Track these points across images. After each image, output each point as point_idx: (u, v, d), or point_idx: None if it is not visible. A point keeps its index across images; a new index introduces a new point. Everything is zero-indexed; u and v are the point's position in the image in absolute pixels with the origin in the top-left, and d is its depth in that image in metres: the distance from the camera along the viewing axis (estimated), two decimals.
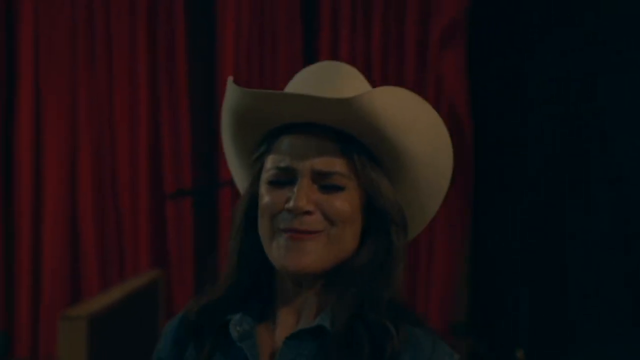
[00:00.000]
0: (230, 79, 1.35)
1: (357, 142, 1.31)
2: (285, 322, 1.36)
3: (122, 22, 4.49)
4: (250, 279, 1.36)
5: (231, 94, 1.32)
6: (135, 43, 4.51)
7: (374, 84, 1.41)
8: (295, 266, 1.29)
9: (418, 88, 4.29)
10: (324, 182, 1.31)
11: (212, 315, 1.36)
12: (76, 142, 4.51)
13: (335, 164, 1.31)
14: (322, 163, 1.30)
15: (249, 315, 1.35)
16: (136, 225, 4.51)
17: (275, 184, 1.33)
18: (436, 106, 1.70)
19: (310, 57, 4.36)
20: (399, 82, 4.33)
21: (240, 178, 1.45)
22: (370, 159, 1.33)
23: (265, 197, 1.33)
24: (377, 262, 1.33)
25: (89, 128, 4.49)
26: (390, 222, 1.34)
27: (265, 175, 1.34)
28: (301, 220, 1.30)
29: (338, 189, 1.31)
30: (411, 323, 1.31)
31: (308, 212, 1.30)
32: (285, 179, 1.32)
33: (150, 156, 4.54)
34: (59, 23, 4.45)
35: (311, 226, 1.30)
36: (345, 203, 1.31)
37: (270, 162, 1.34)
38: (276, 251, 1.31)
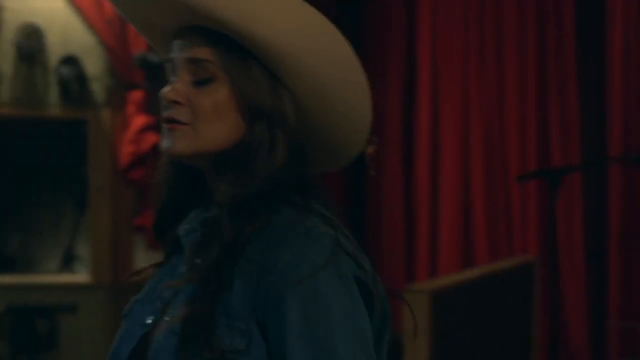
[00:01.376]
0: None
1: (234, 42, 1.36)
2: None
3: (511, 13, 4.69)
4: (190, 186, 1.45)
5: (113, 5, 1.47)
6: (525, 31, 4.68)
7: None
8: (168, 150, 1.38)
9: None
10: (198, 76, 1.37)
11: (169, 221, 1.44)
12: (468, 126, 4.81)
13: (206, 53, 1.36)
14: (194, 52, 1.37)
15: (197, 213, 1.42)
16: (524, 207, 4.67)
17: (169, 79, 1.41)
18: None
19: None
20: None
21: None
22: (245, 55, 1.36)
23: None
24: (245, 152, 1.36)
25: (480, 116, 4.77)
26: (258, 113, 1.36)
27: None
28: (171, 109, 1.37)
29: (209, 81, 1.36)
30: (292, 204, 1.33)
31: (177, 102, 1.37)
32: (172, 73, 1.40)
33: (538, 141, 4.67)
34: (453, 21, 4.83)
35: (177, 116, 1.37)
36: (210, 98, 1.36)
37: None
38: (161, 142, 1.41)
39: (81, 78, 4.85)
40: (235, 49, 1.36)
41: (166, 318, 1.33)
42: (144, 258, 5.14)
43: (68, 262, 5.39)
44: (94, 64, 4.92)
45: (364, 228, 5.15)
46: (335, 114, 1.42)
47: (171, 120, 1.36)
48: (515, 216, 4.72)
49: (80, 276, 5.22)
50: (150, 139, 4.90)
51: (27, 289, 5.01)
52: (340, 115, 1.42)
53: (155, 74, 4.80)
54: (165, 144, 1.38)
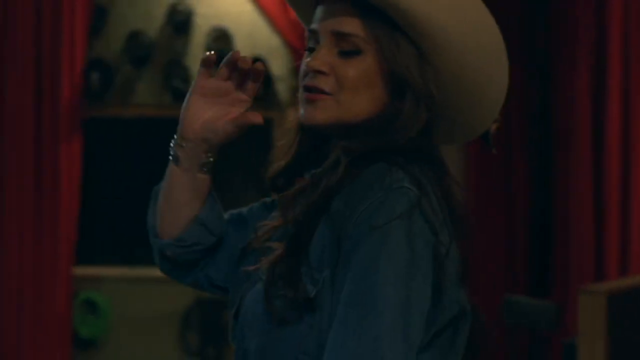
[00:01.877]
0: None
1: (383, 15, 1.35)
2: None
3: None
4: (311, 149, 1.45)
5: None
6: None
7: None
8: (307, 120, 1.37)
9: None
10: (343, 46, 1.36)
11: (287, 176, 1.46)
12: None
13: (353, 26, 1.35)
14: (340, 24, 1.36)
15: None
16: None
17: (308, 50, 1.41)
18: None
19: None
20: None
21: None
22: (393, 29, 1.36)
23: (302, 66, 1.42)
24: (382, 127, 1.36)
25: None
26: (405, 87, 1.36)
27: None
28: (314, 78, 1.36)
29: (355, 53, 1.36)
30: (391, 161, 1.32)
31: (321, 72, 1.36)
32: (313, 43, 1.40)
33: None
34: None
35: (322, 85, 1.35)
36: (357, 69, 1.36)
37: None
38: (301, 109, 1.40)
39: (267, 79, 5.00)
40: (382, 21, 1.35)
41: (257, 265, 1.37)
42: None
43: None
44: (279, 65, 5.06)
45: (551, 218, 4.99)
46: (470, 90, 1.40)
47: (314, 89, 1.36)
48: None
49: None
50: None
51: None
52: (474, 92, 1.40)
53: None
54: (305, 113, 1.37)
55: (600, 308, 3.21)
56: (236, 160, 5.49)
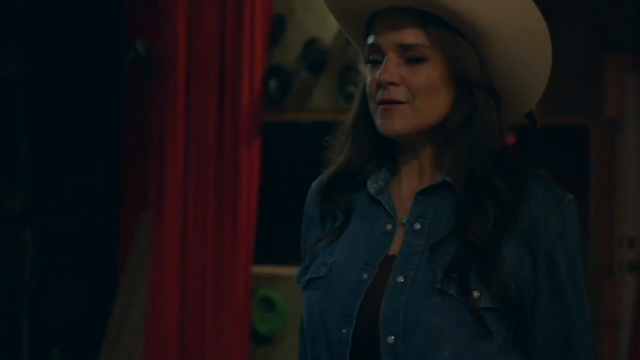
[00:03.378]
0: None
1: (439, 20, 1.44)
2: (409, 183, 1.51)
3: None
4: (367, 153, 1.54)
5: None
6: None
7: None
8: (387, 131, 1.47)
9: None
10: (408, 55, 1.45)
11: (344, 177, 1.55)
12: None
13: (416, 36, 1.44)
14: (403, 36, 1.45)
15: (381, 176, 1.53)
16: None
17: (371, 62, 1.49)
18: None
19: None
20: None
21: None
22: (451, 31, 1.45)
23: (367, 78, 1.51)
24: (464, 124, 1.46)
25: None
26: (473, 87, 1.46)
27: (365, 56, 1.52)
28: (388, 90, 1.45)
29: (421, 60, 1.45)
30: (521, 175, 1.45)
31: (393, 83, 1.44)
32: (377, 57, 1.48)
33: None
34: None
35: (395, 96, 1.44)
36: (425, 76, 1.45)
37: (366, 43, 1.50)
38: (377, 122, 1.48)
39: None
40: (442, 27, 1.44)
41: (398, 273, 1.43)
42: None
43: None
44: None
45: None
46: (519, 75, 1.49)
47: (389, 102, 1.45)
48: None
49: None
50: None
51: None
52: (523, 76, 1.49)
53: None
54: (382, 124, 1.46)
55: None
56: None
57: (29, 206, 5.77)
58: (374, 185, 1.53)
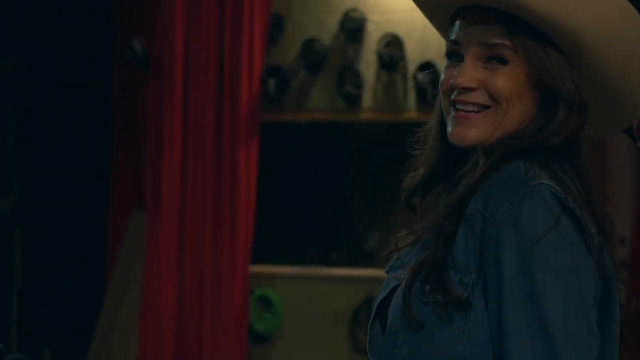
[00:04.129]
0: None
1: (528, 25, 1.34)
2: None
3: None
4: (452, 156, 1.45)
5: None
6: None
7: None
8: (459, 141, 1.38)
9: None
10: (489, 54, 1.36)
11: (425, 187, 1.47)
12: None
13: (500, 36, 1.35)
14: (486, 34, 1.36)
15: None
16: None
17: (450, 58, 1.42)
18: None
19: None
20: None
21: None
22: (538, 36, 1.34)
23: (442, 75, 1.44)
24: (538, 136, 1.34)
25: None
26: (559, 98, 1.34)
27: (445, 51, 1.45)
28: (464, 94, 1.37)
29: (502, 62, 1.35)
30: (530, 159, 1.31)
31: (470, 89, 1.36)
32: (456, 53, 1.40)
33: None
34: None
35: (473, 99, 1.36)
36: (507, 80, 1.35)
37: (448, 38, 1.44)
38: (449, 128, 1.40)
39: (436, 83, 5.08)
40: (529, 31, 1.34)
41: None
42: None
43: None
44: None
45: None
46: (619, 87, 1.39)
47: (468, 105, 1.36)
48: None
49: None
50: None
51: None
52: (623, 87, 1.39)
53: None
54: (455, 133, 1.37)
55: None
56: (408, 162, 5.62)
57: (18, 206, 5.71)
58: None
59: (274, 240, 5.58)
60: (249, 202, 5.17)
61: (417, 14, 5.71)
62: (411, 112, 5.22)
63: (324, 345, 5.35)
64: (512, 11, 1.34)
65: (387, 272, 1.50)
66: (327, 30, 5.24)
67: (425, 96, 5.10)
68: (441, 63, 5.42)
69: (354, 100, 5.17)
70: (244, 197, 5.15)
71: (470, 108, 1.37)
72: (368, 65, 5.21)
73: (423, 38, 5.17)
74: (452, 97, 1.38)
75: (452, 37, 1.40)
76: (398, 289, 1.39)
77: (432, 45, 5.16)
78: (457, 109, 1.38)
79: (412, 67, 5.17)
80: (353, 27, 5.16)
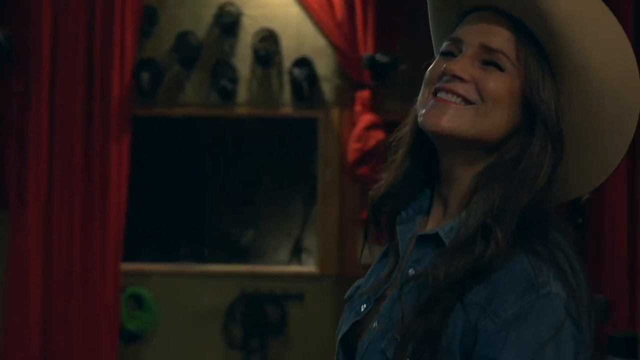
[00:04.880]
0: None
1: (533, 39, 1.29)
2: (436, 214, 1.36)
3: None
4: (422, 170, 1.38)
5: None
6: None
7: None
8: (432, 125, 1.28)
9: None
10: (488, 58, 1.29)
11: (388, 202, 1.39)
12: None
13: (504, 43, 1.29)
14: (491, 39, 1.29)
15: (417, 204, 1.38)
16: None
17: (443, 54, 1.33)
18: None
19: None
20: None
21: None
22: (541, 58, 1.29)
23: (430, 67, 1.33)
24: (512, 161, 1.28)
25: None
26: (539, 123, 1.28)
27: (439, 49, 1.36)
28: (452, 82, 1.29)
29: (498, 68, 1.29)
30: (529, 249, 1.23)
31: (461, 78, 1.29)
32: (453, 49, 1.32)
33: None
34: None
35: (463, 92, 1.28)
36: (500, 84, 1.28)
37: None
38: (421, 111, 1.31)
39: (312, 79, 5.12)
40: (536, 48, 1.29)
41: (376, 316, 1.33)
42: (367, 251, 5.36)
43: (297, 253, 5.69)
44: (324, 65, 5.18)
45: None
46: (597, 135, 1.32)
47: (451, 93, 1.29)
48: None
49: (308, 267, 5.51)
50: (375, 136, 5.10)
51: (259, 278, 5.32)
52: (601, 137, 1.32)
53: (382, 74, 5.00)
54: (427, 116, 1.29)
55: None
56: (284, 157, 5.61)
57: None
58: (404, 213, 1.38)
59: (146, 237, 5.47)
60: (120, 199, 5.04)
61: (293, 9, 5.74)
62: (286, 107, 5.21)
63: (198, 343, 5.29)
64: (526, 21, 1.29)
65: (348, 299, 1.44)
66: (201, 23, 5.17)
67: (300, 92, 5.10)
68: (316, 59, 5.42)
69: (228, 95, 5.12)
70: (114, 194, 5.01)
71: (454, 98, 1.29)
72: (243, 60, 5.17)
73: (298, 33, 5.17)
74: (437, 84, 1.30)
75: (454, 34, 1.33)
76: (367, 334, 1.33)
77: (307, 40, 5.17)
78: (438, 97, 1.30)
79: (287, 62, 5.16)
80: (228, 21, 5.11)
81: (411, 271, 1.32)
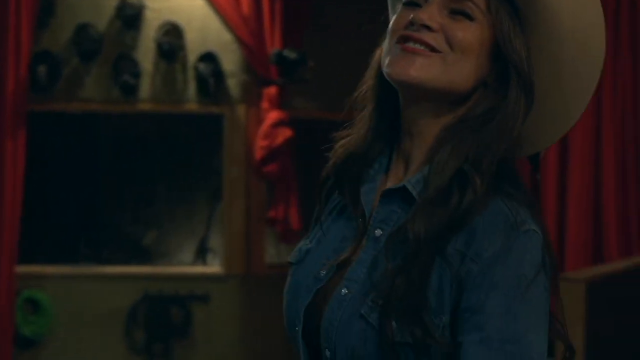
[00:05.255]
0: None
1: None
2: (396, 172, 1.32)
3: None
4: (386, 126, 1.33)
5: None
6: None
7: None
8: (399, 75, 1.24)
9: None
10: (457, 7, 1.26)
11: (355, 161, 1.34)
12: (600, 121, 4.78)
13: None
14: None
15: (377, 162, 1.34)
16: None
17: (407, 4, 1.29)
18: None
19: None
20: None
21: None
22: (511, 7, 1.27)
23: (395, 17, 1.29)
24: (490, 115, 1.26)
25: (611, 107, 4.74)
26: (512, 73, 1.26)
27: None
28: (420, 32, 1.25)
29: (468, 17, 1.26)
30: (504, 193, 1.23)
31: (429, 27, 1.25)
32: (416, 1, 1.28)
33: None
34: None
35: (427, 39, 1.24)
36: (470, 34, 1.25)
37: None
38: (385, 60, 1.27)
39: (218, 74, 4.99)
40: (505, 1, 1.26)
41: (342, 281, 1.27)
42: (274, 251, 5.27)
43: (201, 253, 5.55)
44: (230, 61, 5.06)
45: None
46: (564, 78, 1.31)
47: (418, 42, 1.24)
48: None
49: (213, 267, 5.37)
50: (283, 133, 5.01)
51: (162, 279, 5.17)
52: (569, 80, 1.31)
53: (289, 70, 4.92)
54: (394, 66, 1.25)
55: (579, 295, 3.39)
56: (188, 154, 5.47)
57: None
58: (368, 171, 1.33)
59: (43, 238, 5.24)
60: (15, 198, 4.81)
61: (198, 2, 5.61)
62: (191, 103, 5.07)
63: (99, 348, 5.10)
64: None
65: (293, 264, 1.35)
66: (102, 15, 4.98)
67: (206, 87, 4.97)
68: (222, 54, 5.31)
69: (131, 90, 4.95)
70: (9, 192, 4.78)
71: (421, 47, 1.24)
72: (146, 54, 5.00)
73: (203, 27, 5.04)
74: (404, 32, 1.25)
75: None
76: (335, 301, 1.26)
77: (212, 35, 5.05)
78: (405, 45, 1.25)
79: (192, 57, 5.02)
80: (130, 14, 4.94)
81: (378, 232, 1.28)
